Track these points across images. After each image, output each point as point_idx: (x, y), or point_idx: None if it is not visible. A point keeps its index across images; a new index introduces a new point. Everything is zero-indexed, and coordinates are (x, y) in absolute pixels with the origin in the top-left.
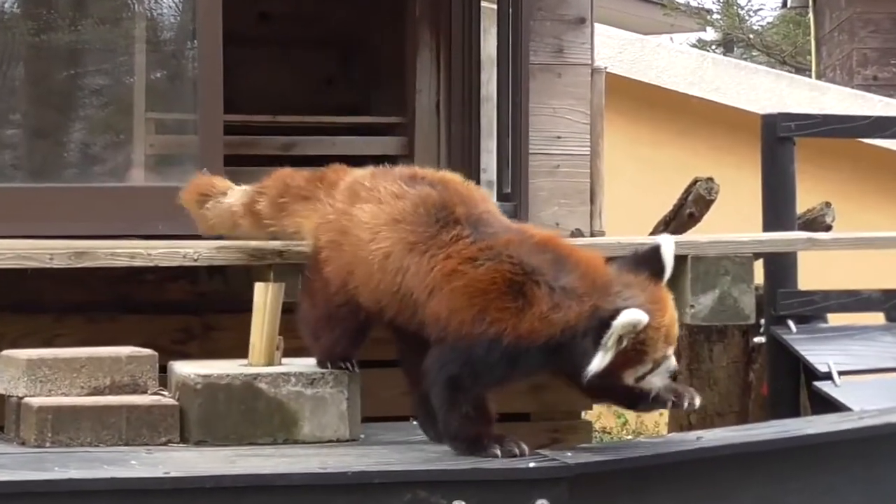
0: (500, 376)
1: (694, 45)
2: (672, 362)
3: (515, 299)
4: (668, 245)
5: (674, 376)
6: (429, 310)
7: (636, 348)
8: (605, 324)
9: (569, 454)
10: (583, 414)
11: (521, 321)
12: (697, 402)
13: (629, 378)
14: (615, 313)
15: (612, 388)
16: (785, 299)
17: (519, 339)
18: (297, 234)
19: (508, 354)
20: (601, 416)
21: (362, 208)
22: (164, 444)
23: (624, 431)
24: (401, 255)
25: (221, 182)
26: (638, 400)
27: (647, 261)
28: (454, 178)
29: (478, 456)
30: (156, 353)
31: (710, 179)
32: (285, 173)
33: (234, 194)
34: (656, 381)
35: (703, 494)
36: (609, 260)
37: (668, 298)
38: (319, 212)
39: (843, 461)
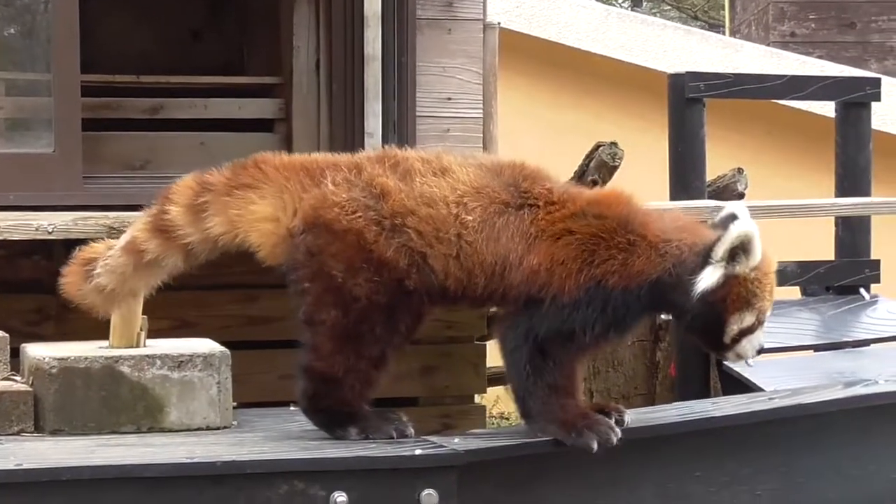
0: (596, 336)
1: None
2: (763, 336)
3: (625, 236)
4: (743, 210)
5: (760, 350)
6: (525, 265)
7: (747, 286)
8: (717, 240)
9: (457, 440)
10: (477, 398)
11: (633, 256)
12: (627, 418)
13: (733, 326)
14: (730, 226)
15: None
16: None
17: (629, 280)
18: (228, 233)
19: (614, 302)
20: (498, 400)
21: (427, 182)
22: (17, 433)
23: None
24: (493, 218)
25: (102, 243)
26: None
27: (729, 224)
28: None
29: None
30: (7, 335)
31: (614, 144)
32: (191, 176)
33: (123, 237)
34: (749, 350)
35: (602, 482)
36: None
37: (770, 255)
38: (312, 193)
39: (751, 445)
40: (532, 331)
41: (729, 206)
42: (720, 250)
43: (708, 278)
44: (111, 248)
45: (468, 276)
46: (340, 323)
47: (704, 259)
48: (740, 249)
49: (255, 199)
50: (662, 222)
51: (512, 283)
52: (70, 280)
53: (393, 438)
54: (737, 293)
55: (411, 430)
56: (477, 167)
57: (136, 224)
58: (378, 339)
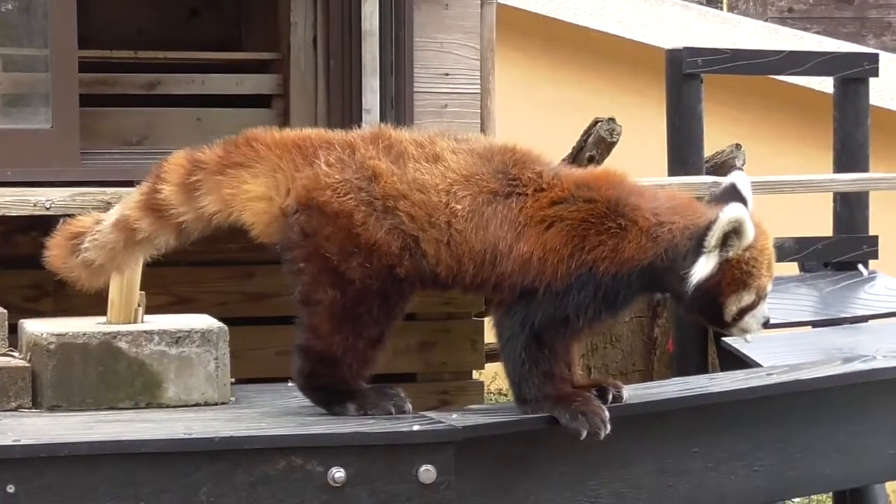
0: (590, 320)
1: None
2: (767, 308)
3: (616, 221)
4: (744, 180)
5: (766, 323)
6: (515, 253)
7: (741, 268)
8: (708, 227)
9: (455, 416)
10: (474, 374)
11: (624, 242)
12: (625, 394)
13: (732, 307)
14: (719, 214)
15: None
16: None
17: (620, 265)
18: (222, 212)
19: (605, 288)
20: (496, 376)
21: (420, 168)
22: (15, 409)
23: None
24: (482, 207)
25: (88, 216)
26: None
27: (727, 198)
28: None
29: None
30: (5, 311)
31: (612, 120)
32: (182, 154)
33: (112, 212)
34: (753, 324)
35: (600, 457)
36: None
37: (767, 228)
38: (305, 173)
39: (749, 421)
40: (528, 319)
41: (729, 177)
42: (712, 239)
43: (702, 269)
44: (99, 223)
45: (458, 263)
46: (338, 303)
47: (697, 247)
48: (732, 233)
49: (248, 179)
50: (656, 203)
51: (504, 273)
52: (56, 253)
53: (391, 414)
54: (731, 276)
55: (409, 406)
56: (468, 153)
57: (128, 202)
58: (376, 321)
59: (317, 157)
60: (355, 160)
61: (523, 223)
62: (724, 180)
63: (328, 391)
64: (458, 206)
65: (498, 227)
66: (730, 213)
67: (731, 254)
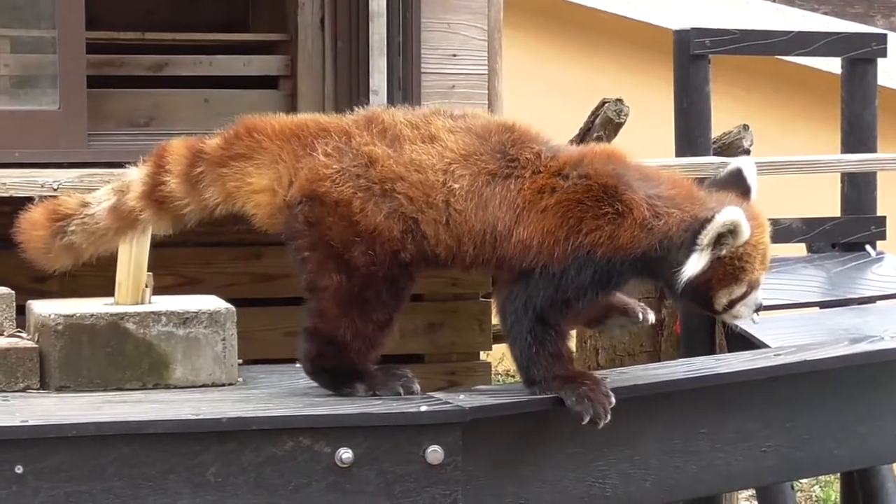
0: (588, 301)
1: None
2: (761, 294)
3: (613, 206)
4: (750, 166)
5: (758, 310)
6: (515, 238)
7: (734, 263)
8: (703, 225)
9: (462, 396)
10: (482, 355)
11: (620, 229)
12: (651, 318)
13: (722, 299)
14: (715, 214)
15: None
16: None
17: (615, 252)
18: (225, 203)
19: (601, 271)
20: (503, 357)
21: (416, 149)
22: (23, 390)
23: None
24: (481, 188)
25: (71, 198)
26: None
27: (731, 183)
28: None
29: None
30: (12, 292)
31: (620, 101)
32: (182, 143)
33: (104, 197)
34: (744, 312)
35: (607, 438)
36: None
37: (765, 219)
38: (306, 164)
39: (757, 402)
40: (530, 302)
41: (736, 161)
42: (705, 238)
43: (693, 267)
44: (85, 206)
45: (457, 243)
46: (344, 288)
47: (691, 243)
48: (727, 234)
49: (252, 172)
50: (656, 189)
51: (504, 256)
52: (36, 233)
53: (399, 395)
54: (724, 272)
55: (417, 387)
56: (465, 132)
57: (127, 191)
58: (385, 304)
59: (314, 148)
60: (351, 148)
61: (521, 206)
62: (731, 163)
63: (336, 373)
64: (456, 186)
65: (497, 208)
66: (725, 216)
67: (724, 252)
